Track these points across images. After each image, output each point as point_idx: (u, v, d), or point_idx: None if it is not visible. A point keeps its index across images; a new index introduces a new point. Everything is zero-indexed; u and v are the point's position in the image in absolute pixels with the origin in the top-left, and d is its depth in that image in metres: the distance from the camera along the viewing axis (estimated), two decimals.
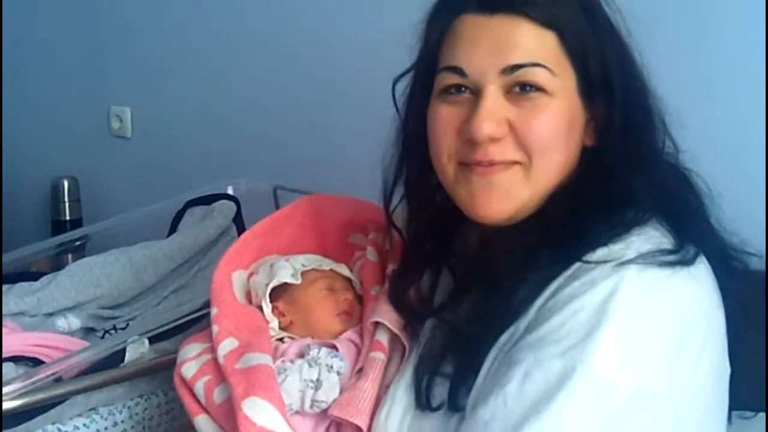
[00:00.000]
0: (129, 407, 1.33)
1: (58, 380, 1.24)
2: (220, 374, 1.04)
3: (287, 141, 1.96)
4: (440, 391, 0.90)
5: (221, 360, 1.04)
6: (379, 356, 1.01)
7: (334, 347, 1.05)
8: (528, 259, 0.88)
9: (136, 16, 2.25)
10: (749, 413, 1.01)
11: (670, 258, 0.84)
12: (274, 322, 1.12)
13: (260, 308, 1.14)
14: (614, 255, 0.84)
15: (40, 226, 2.39)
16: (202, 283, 1.62)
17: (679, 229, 0.88)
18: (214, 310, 1.12)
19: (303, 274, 1.14)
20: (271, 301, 1.13)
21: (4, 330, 1.36)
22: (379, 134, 1.81)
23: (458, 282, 1.00)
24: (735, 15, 1.31)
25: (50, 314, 1.51)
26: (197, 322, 1.40)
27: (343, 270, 1.16)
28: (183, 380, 1.08)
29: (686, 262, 0.85)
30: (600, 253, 0.84)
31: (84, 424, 1.27)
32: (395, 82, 1.05)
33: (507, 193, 0.91)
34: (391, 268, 1.10)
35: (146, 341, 1.33)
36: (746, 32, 1.30)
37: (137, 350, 1.31)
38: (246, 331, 1.08)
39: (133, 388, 1.34)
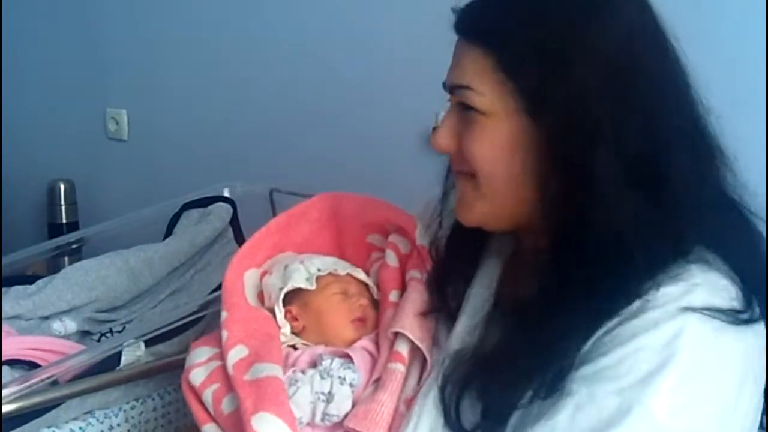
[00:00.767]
0: (125, 411, 1.32)
1: (54, 384, 1.24)
2: (229, 383, 1.01)
3: (283, 144, 1.96)
4: (471, 412, 0.88)
5: (230, 370, 1.02)
6: (399, 368, 0.98)
7: (347, 357, 1.02)
8: (575, 294, 0.85)
9: (132, 19, 2.25)
10: None
11: (739, 317, 0.82)
12: (286, 328, 1.09)
13: (273, 311, 1.10)
14: (677, 295, 0.82)
15: (37, 229, 2.39)
16: (198, 285, 1.62)
17: (740, 271, 0.86)
18: (224, 314, 1.08)
19: (318, 279, 1.10)
20: (284, 305, 1.09)
21: None
22: (375, 138, 1.82)
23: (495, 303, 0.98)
24: (735, 15, 1.32)
25: (46, 318, 1.51)
26: (193, 325, 1.40)
27: (360, 274, 1.12)
28: (191, 387, 1.05)
29: (752, 321, 0.83)
30: (664, 291, 0.82)
31: (80, 428, 1.26)
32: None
33: (467, 203, 0.95)
34: (412, 273, 1.07)
35: (142, 344, 1.32)
36: (746, 32, 1.30)
37: (133, 353, 1.31)
38: (256, 338, 1.05)
39: (129, 392, 1.33)
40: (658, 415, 0.77)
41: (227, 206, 1.72)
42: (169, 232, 1.72)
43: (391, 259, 1.11)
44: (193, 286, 1.62)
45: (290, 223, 1.18)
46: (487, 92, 0.88)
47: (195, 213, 1.73)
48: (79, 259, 1.64)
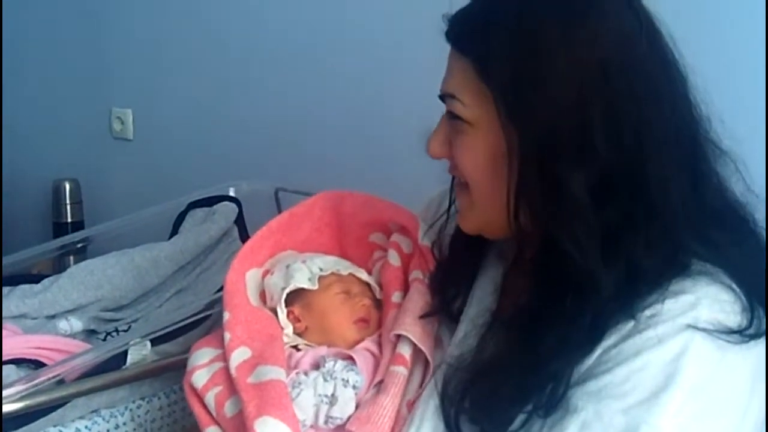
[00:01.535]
0: (131, 409, 1.32)
1: (60, 382, 1.24)
2: (231, 385, 1.01)
3: (289, 143, 1.96)
4: (470, 422, 0.88)
5: (233, 372, 1.01)
6: (401, 371, 0.98)
7: (350, 359, 1.02)
8: (567, 308, 0.84)
9: (137, 18, 2.25)
10: None
11: (745, 334, 0.82)
12: (289, 328, 1.08)
13: (275, 311, 1.10)
14: (681, 311, 0.81)
15: (42, 229, 2.39)
16: (204, 285, 1.62)
17: (742, 283, 0.84)
18: (226, 315, 1.08)
19: (320, 279, 1.09)
20: (286, 306, 1.09)
21: (5, 332, 1.36)
22: (381, 137, 1.82)
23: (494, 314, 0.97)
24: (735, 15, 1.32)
25: (52, 317, 1.51)
26: (199, 324, 1.40)
27: (363, 275, 1.11)
28: (193, 389, 1.05)
29: (758, 336, 0.82)
30: (668, 306, 0.81)
31: (86, 427, 1.26)
32: None
33: (463, 212, 0.97)
34: (415, 274, 1.07)
35: (148, 343, 1.32)
36: (746, 32, 1.30)
37: (139, 352, 1.31)
38: (259, 339, 1.05)
39: (135, 391, 1.33)
40: None
41: (233, 205, 1.72)
42: (174, 232, 1.72)
43: (394, 259, 1.10)
44: (199, 285, 1.63)
45: (292, 221, 1.18)
46: (471, 102, 0.89)
47: (200, 212, 1.73)
48: (85, 259, 1.64)
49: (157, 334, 1.35)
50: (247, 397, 0.97)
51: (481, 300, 1.00)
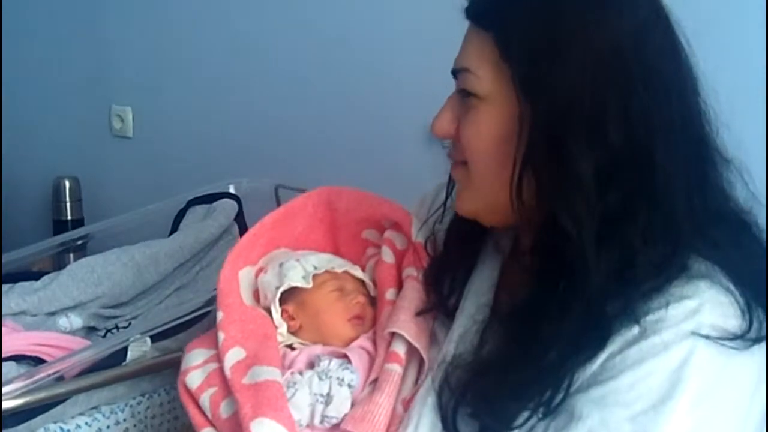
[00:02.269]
0: (131, 406, 1.33)
1: (60, 379, 1.24)
2: (227, 386, 1.00)
3: (288, 140, 1.96)
4: (469, 421, 0.87)
5: (228, 373, 1.00)
6: (395, 368, 0.97)
7: (345, 357, 1.01)
8: (565, 308, 0.83)
9: (137, 15, 2.25)
10: None
11: (747, 338, 0.81)
12: (283, 327, 1.07)
13: (268, 310, 1.09)
14: (685, 316, 0.81)
15: (42, 226, 2.39)
16: (203, 281, 1.62)
17: (740, 283, 0.84)
18: (219, 315, 1.06)
19: (314, 277, 1.08)
20: (280, 305, 1.08)
21: (5, 329, 1.36)
22: (380, 134, 1.82)
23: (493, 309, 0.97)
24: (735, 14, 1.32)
25: (52, 314, 1.51)
26: (199, 321, 1.40)
27: (357, 272, 1.11)
28: (187, 390, 1.04)
29: (759, 340, 0.82)
30: (672, 312, 0.81)
31: (86, 423, 1.27)
32: None
33: (461, 191, 0.96)
34: (408, 270, 1.06)
35: (148, 340, 1.33)
36: (746, 32, 1.30)
37: (139, 349, 1.31)
38: (253, 339, 1.04)
39: (135, 387, 1.33)
40: None
41: (232, 202, 1.72)
42: (174, 229, 1.73)
43: (387, 256, 1.09)
44: (199, 282, 1.63)
45: (285, 218, 1.16)
46: (485, 75, 0.88)
47: (200, 209, 1.73)
48: (84, 256, 1.64)
49: (157, 330, 1.35)
50: (243, 399, 0.96)
51: (478, 295, 0.99)
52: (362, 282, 1.11)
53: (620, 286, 0.82)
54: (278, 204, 1.71)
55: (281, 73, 1.98)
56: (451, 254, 1.04)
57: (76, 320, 1.50)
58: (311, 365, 1.02)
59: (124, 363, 1.30)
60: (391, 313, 1.02)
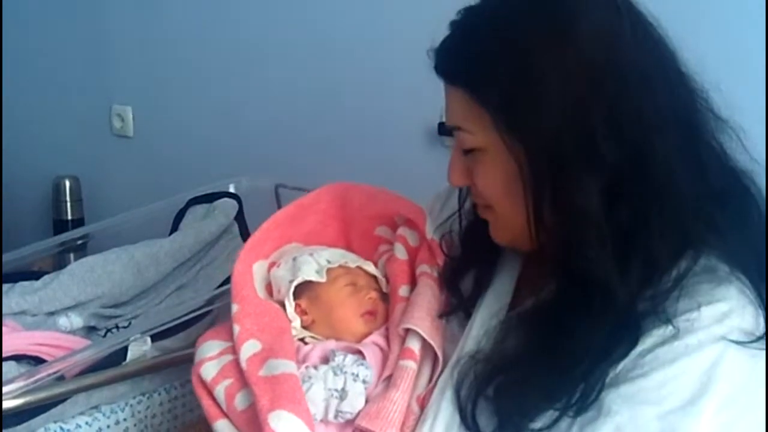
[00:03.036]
0: (131, 405, 1.32)
1: (60, 379, 1.24)
2: (242, 378, 1.00)
3: (288, 139, 1.96)
4: (487, 417, 0.87)
5: (244, 365, 1.00)
6: (410, 365, 0.97)
7: (359, 353, 1.01)
8: (591, 308, 0.83)
9: (137, 15, 2.25)
10: None
11: (763, 341, 0.82)
12: (297, 321, 1.07)
13: (282, 304, 1.09)
14: (717, 318, 0.81)
15: (42, 226, 2.40)
16: (204, 281, 1.62)
17: (749, 272, 0.85)
18: (235, 307, 1.06)
19: (328, 271, 1.08)
20: (294, 299, 1.08)
21: (5, 329, 1.36)
22: (382, 133, 1.82)
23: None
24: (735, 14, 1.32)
25: (52, 313, 1.51)
26: (199, 320, 1.40)
27: (370, 267, 1.10)
28: (202, 381, 1.04)
29: None
30: (705, 314, 0.81)
31: (86, 423, 1.26)
32: None
33: (494, 230, 0.97)
34: (422, 267, 1.06)
35: (148, 339, 1.32)
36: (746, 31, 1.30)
37: (139, 348, 1.31)
38: (269, 332, 1.04)
39: (136, 387, 1.33)
40: None
41: (233, 202, 1.72)
42: (174, 228, 1.72)
43: (400, 253, 1.10)
44: (199, 282, 1.63)
45: (298, 213, 1.16)
46: (475, 130, 0.89)
47: (200, 209, 1.73)
48: (85, 255, 1.63)
49: (158, 330, 1.34)
50: (260, 391, 0.96)
51: (499, 295, 0.99)
52: (375, 278, 1.10)
53: (647, 287, 0.83)
54: (278, 203, 1.71)
55: (281, 72, 1.98)
56: (471, 254, 1.04)
57: (76, 320, 1.50)
58: (325, 360, 1.02)
59: (124, 362, 1.30)
60: (405, 310, 1.02)
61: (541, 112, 0.83)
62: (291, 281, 1.08)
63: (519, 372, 0.87)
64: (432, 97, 0.98)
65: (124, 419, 1.31)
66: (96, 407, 1.29)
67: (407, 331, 0.99)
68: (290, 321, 1.07)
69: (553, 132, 0.83)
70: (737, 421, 0.79)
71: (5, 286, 1.51)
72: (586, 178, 0.83)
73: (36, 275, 1.57)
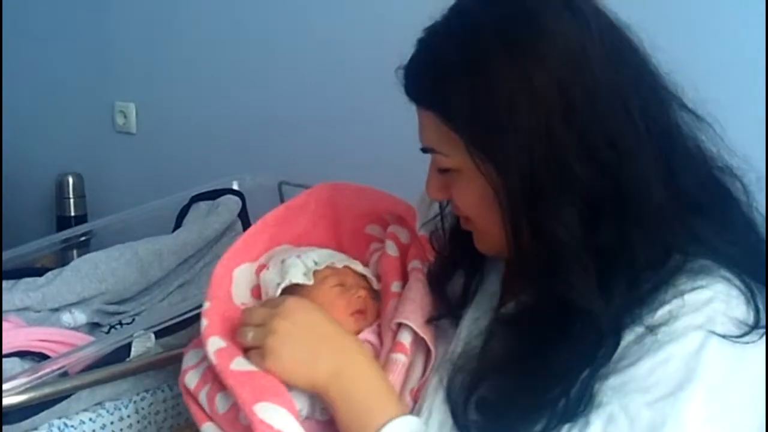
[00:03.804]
0: (135, 402, 1.33)
1: (64, 375, 1.24)
2: (218, 381, 0.99)
3: (292, 136, 1.96)
4: (479, 418, 0.87)
5: (212, 358, 0.97)
6: (401, 358, 0.97)
7: None
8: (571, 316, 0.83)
9: (140, 12, 2.25)
10: None
11: (759, 327, 0.82)
12: None
13: None
14: (702, 302, 0.82)
15: (45, 223, 2.40)
16: (207, 278, 1.59)
17: (738, 268, 0.85)
18: (206, 305, 1.05)
19: (315, 273, 1.08)
20: None
21: (8, 325, 1.36)
22: (384, 130, 1.81)
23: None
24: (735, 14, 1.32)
25: (55, 310, 1.51)
26: None
27: (358, 267, 1.10)
28: (187, 390, 1.05)
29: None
30: (689, 299, 0.82)
31: (90, 419, 1.27)
32: None
33: (475, 237, 0.96)
34: (414, 263, 1.07)
35: (152, 336, 1.32)
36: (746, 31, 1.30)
37: (143, 345, 1.31)
38: (232, 335, 1.00)
39: (139, 383, 1.33)
40: (691, 427, 0.77)
41: (236, 199, 1.72)
42: (178, 225, 1.72)
43: (392, 250, 1.10)
44: (202, 279, 1.62)
45: (288, 215, 1.16)
46: (449, 151, 0.89)
47: (204, 206, 1.73)
48: (88, 252, 1.63)
49: (161, 326, 1.34)
50: (236, 383, 0.93)
51: (488, 294, 1.00)
52: (363, 277, 1.10)
53: (632, 306, 0.83)
54: (282, 200, 1.71)
55: (285, 68, 1.98)
56: (457, 254, 1.04)
57: (79, 316, 1.49)
58: None
59: (128, 359, 1.30)
60: (397, 305, 1.02)
61: (511, 135, 0.82)
62: (278, 284, 1.07)
63: (506, 376, 0.87)
64: None
65: (128, 416, 1.31)
66: (100, 404, 1.29)
67: (399, 325, 1.00)
68: None
69: (526, 155, 0.82)
70: (728, 403, 0.79)
71: (9, 283, 1.51)
72: (562, 200, 0.82)
73: (39, 272, 1.56)
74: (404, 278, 1.07)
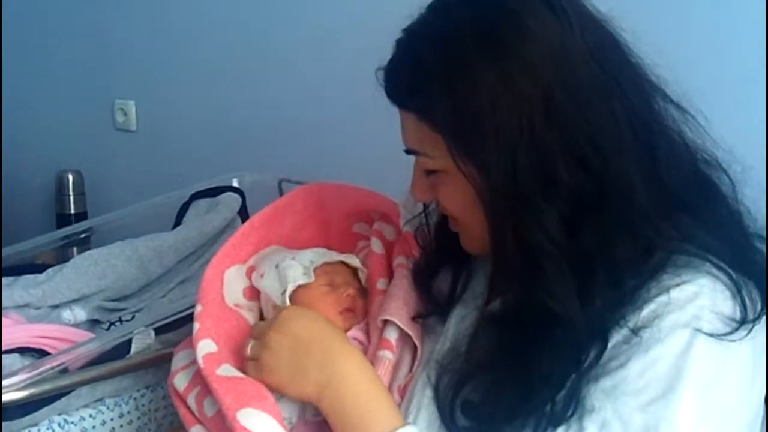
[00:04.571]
0: (135, 398, 1.33)
1: (64, 371, 1.24)
2: (206, 384, 0.98)
3: (292, 134, 1.96)
4: (466, 417, 0.87)
5: (201, 362, 0.98)
6: (387, 355, 0.97)
7: None
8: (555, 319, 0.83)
9: (140, 9, 2.25)
10: None
11: (746, 321, 0.82)
12: None
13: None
14: (687, 298, 0.81)
15: (45, 220, 2.40)
16: None
17: (724, 262, 0.84)
18: (198, 308, 1.05)
19: (315, 270, 1.07)
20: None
21: (9, 322, 1.36)
22: (384, 128, 1.81)
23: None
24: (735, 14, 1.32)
25: (55, 306, 1.51)
26: None
27: (353, 261, 1.10)
28: (176, 392, 1.05)
29: (757, 320, 0.83)
30: (674, 295, 0.81)
31: (90, 415, 1.27)
32: None
33: (461, 237, 0.96)
34: (399, 260, 1.07)
35: (152, 332, 1.32)
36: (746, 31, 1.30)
37: (143, 341, 1.31)
38: (226, 337, 1.03)
39: (139, 380, 1.33)
40: (684, 428, 0.78)
41: (236, 196, 1.72)
42: (177, 222, 1.73)
43: (377, 247, 1.11)
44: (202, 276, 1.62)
45: (275, 216, 1.16)
46: (433, 154, 0.88)
47: (204, 203, 1.73)
48: (88, 249, 1.63)
49: (161, 323, 1.34)
50: (222, 389, 0.94)
51: (475, 291, 1.00)
52: (355, 273, 1.10)
53: (613, 301, 0.82)
54: None
55: (284, 66, 1.98)
56: (443, 250, 1.03)
57: (80, 313, 1.50)
58: None
59: (128, 355, 1.30)
60: (383, 302, 1.02)
61: (492, 136, 0.81)
62: (283, 292, 1.06)
63: (490, 378, 0.86)
64: None
65: (128, 412, 1.31)
66: (100, 400, 1.29)
67: (385, 322, 1.00)
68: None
69: (508, 155, 0.81)
70: (717, 400, 0.80)
71: (9, 279, 1.51)
72: (543, 203, 0.82)
73: (39, 268, 1.57)
74: (390, 275, 1.07)
